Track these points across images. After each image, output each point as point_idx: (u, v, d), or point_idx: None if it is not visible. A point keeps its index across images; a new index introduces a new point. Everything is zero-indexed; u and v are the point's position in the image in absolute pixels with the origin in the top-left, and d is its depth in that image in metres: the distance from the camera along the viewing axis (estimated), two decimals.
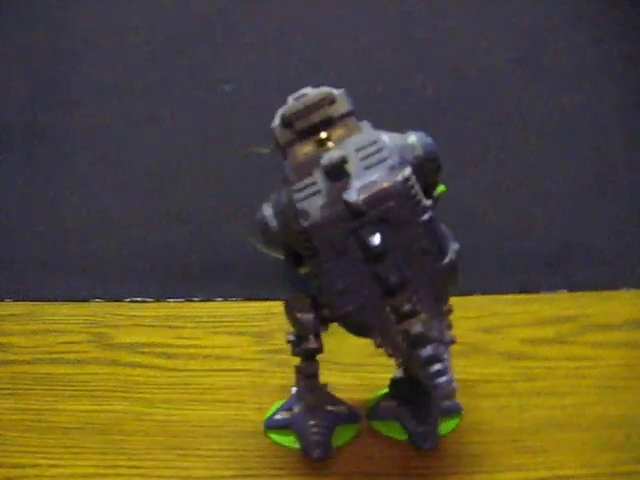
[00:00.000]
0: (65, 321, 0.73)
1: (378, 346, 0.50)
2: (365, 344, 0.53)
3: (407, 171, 0.49)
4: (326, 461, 0.53)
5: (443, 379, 0.48)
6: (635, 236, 0.78)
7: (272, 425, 0.56)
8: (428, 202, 0.49)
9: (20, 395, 0.62)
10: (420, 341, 0.48)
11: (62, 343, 0.69)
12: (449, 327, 0.51)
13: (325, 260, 0.49)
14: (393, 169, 0.49)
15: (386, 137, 0.50)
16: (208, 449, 0.55)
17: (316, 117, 0.50)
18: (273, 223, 0.51)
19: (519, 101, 0.77)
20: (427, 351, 0.48)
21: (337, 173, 0.48)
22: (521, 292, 0.76)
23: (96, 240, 0.79)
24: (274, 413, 0.57)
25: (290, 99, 0.51)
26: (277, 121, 0.51)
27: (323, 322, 0.53)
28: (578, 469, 0.52)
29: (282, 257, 0.53)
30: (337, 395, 0.57)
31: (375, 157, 0.49)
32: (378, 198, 0.48)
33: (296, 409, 0.56)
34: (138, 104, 0.78)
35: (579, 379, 0.61)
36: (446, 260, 0.50)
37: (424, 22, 0.77)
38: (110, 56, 0.78)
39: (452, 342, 0.50)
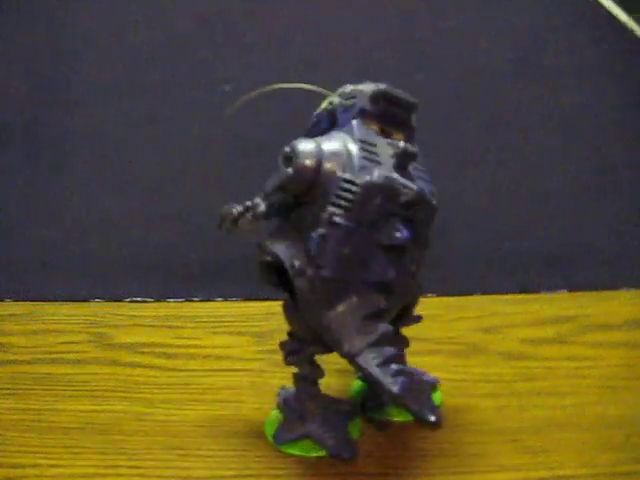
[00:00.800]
0: (65, 321, 0.73)
1: (323, 330, 0.50)
2: None
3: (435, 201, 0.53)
4: (322, 458, 0.53)
5: (403, 378, 0.48)
6: (635, 236, 0.78)
7: (284, 441, 0.55)
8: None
9: (20, 395, 0.62)
10: (385, 340, 0.49)
11: (62, 343, 0.69)
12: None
13: (350, 218, 0.49)
14: (432, 194, 0.52)
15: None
16: (208, 449, 0.55)
17: (398, 112, 0.53)
18: (311, 159, 0.49)
19: (519, 101, 0.77)
20: (391, 350, 0.49)
21: (405, 162, 0.51)
22: (521, 292, 0.76)
23: (96, 240, 0.80)
24: (281, 428, 0.55)
25: (375, 84, 0.53)
26: (370, 88, 0.52)
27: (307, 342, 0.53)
28: (578, 469, 0.52)
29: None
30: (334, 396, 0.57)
31: (423, 175, 0.53)
32: (424, 205, 0.51)
33: (307, 418, 0.54)
34: (138, 104, 0.79)
35: (579, 379, 0.61)
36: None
37: (424, 22, 0.77)
38: (110, 56, 0.78)
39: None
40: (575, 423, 0.56)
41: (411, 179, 0.51)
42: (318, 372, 0.54)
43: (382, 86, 0.53)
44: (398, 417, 0.57)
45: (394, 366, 0.48)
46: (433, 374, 0.61)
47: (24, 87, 0.78)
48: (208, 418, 0.58)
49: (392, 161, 0.50)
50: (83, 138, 0.79)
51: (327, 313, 0.50)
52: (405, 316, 0.55)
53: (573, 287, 0.76)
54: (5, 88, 0.79)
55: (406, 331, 0.58)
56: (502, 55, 0.77)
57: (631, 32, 0.55)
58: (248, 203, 0.52)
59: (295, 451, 0.54)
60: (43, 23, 0.78)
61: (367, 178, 0.49)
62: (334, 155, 0.50)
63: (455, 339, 0.68)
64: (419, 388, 0.55)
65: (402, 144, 0.50)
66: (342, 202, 0.49)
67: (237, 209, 0.52)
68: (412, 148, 0.51)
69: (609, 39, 0.76)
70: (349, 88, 0.53)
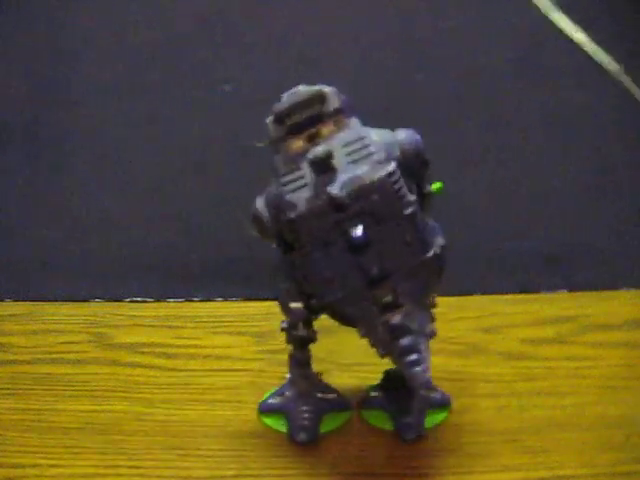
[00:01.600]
0: (65, 321, 0.73)
1: (362, 336, 0.52)
2: (365, 344, 0.53)
3: (391, 166, 0.50)
4: (328, 455, 0.53)
5: (418, 369, 0.50)
6: (635, 236, 0.78)
7: (265, 409, 0.58)
8: (412, 197, 0.51)
9: (20, 395, 0.62)
10: (399, 332, 0.50)
11: (62, 343, 0.69)
12: (432, 320, 0.53)
13: (311, 250, 0.51)
14: (378, 164, 0.51)
15: (374, 134, 0.52)
16: (208, 449, 0.55)
17: (306, 114, 0.52)
18: (265, 214, 0.53)
19: (519, 101, 0.77)
20: (405, 341, 0.50)
21: (323, 167, 0.50)
22: (521, 292, 0.75)
23: (96, 240, 0.79)
24: (268, 397, 0.59)
25: (284, 96, 0.53)
26: (270, 117, 0.53)
27: (313, 311, 0.54)
28: (578, 469, 0.52)
29: (274, 245, 0.54)
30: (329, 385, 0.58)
31: (361, 152, 0.51)
32: (361, 192, 0.50)
33: (288, 394, 0.57)
34: (138, 104, 0.79)
35: (579, 379, 0.61)
36: (430, 253, 0.51)
37: (424, 22, 0.77)
38: (110, 56, 0.78)
39: (432, 334, 0.52)
40: (575, 423, 0.56)
41: (336, 177, 0.50)
42: (306, 355, 0.56)
43: (278, 106, 0.52)
44: (385, 425, 0.57)
45: (411, 357, 0.50)
46: (433, 374, 0.60)
47: (24, 87, 0.78)
48: (208, 418, 0.58)
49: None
50: (83, 138, 0.79)
51: (358, 328, 0.52)
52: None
53: (573, 287, 0.76)
54: (5, 88, 0.79)
55: None
56: (502, 55, 0.77)
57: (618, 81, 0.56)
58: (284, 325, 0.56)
59: (268, 421, 0.57)
60: (43, 23, 0.78)
61: (291, 215, 0.51)
62: (273, 205, 0.52)
63: (455, 339, 0.68)
64: (413, 402, 0.56)
65: (308, 156, 0.50)
66: (295, 241, 0.51)
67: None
68: (317, 152, 0.50)
69: (609, 39, 0.76)
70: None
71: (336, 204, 0.50)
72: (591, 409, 0.58)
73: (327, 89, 0.53)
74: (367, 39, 0.77)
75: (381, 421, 0.57)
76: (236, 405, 0.60)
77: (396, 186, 0.50)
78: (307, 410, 0.56)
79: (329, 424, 0.57)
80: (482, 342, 0.67)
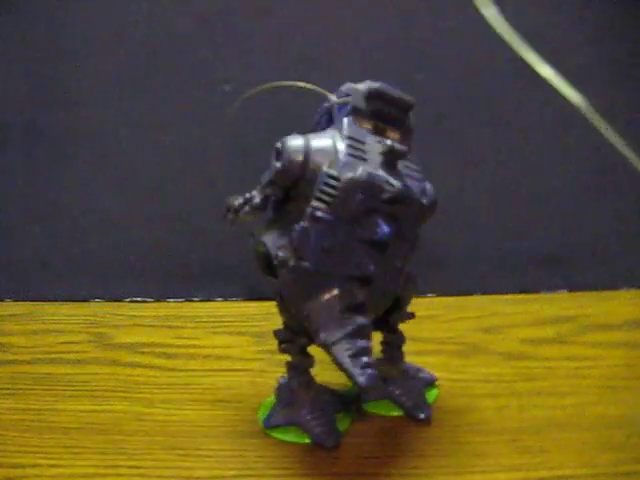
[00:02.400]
0: (65, 321, 0.73)
1: (303, 319, 0.51)
2: None
3: (425, 201, 0.53)
4: (328, 455, 0.53)
5: (371, 371, 0.49)
6: (635, 236, 0.78)
7: (273, 425, 0.56)
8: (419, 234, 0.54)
9: (20, 395, 0.62)
10: (361, 333, 0.50)
11: (62, 343, 0.69)
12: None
13: (331, 213, 0.50)
14: (422, 193, 0.53)
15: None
16: (208, 449, 0.55)
17: (393, 111, 0.53)
18: (300, 155, 0.51)
19: (519, 101, 0.77)
20: (363, 343, 0.50)
21: (392, 160, 0.51)
22: (521, 292, 0.76)
23: (96, 240, 0.80)
24: (271, 413, 0.57)
25: (371, 83, 0.53)
26: (363, 86, 0.53)
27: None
28: (578, 469, 0.52)
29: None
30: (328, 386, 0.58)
31: (413, 174, 0.53)
32: (409, 202, 0.52)
33: (296, 406, 0.56)
34: (138, 104, 0.78)
35: (579, 379, 0.61)
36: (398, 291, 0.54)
37: (424, 22, 0.77)
38: (110, 56, 0.78)
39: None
40: (575, 423, 0.56)
41: (398, 177, 0.52)
42: (309, 361, 0.55)
43: (377, 85, 0.53)
44: (393, 412, 0.58)
45: (365, 358, 0.49)
46: (433, 374, 0.61)
47: (24, 87, 0.78)
48: (208, 418, 0.58)
49: (379, 159, 0.51)
50: (83, 138, 0.79)
51: (307, 303, 0.51)
52: (397, 311, 0.56)
53: (573, 287, 0.76)
54: (5, 88, 0.79)
55: (407, 331, 0.58)
56: (502, 55, 0.77)
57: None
58: (247, 195, 0.54)
59: (281, 436, 0.55)
60: (43, 23, 0.78)
61: (349, 174, 0.50)
62: (321, 151, 0.51)
63: (455, 339, 0.68)
64: (412, 385, 0.58)
65: (389, 142, 0.51)
66: (325, 197, 0.50)
67: (238, 201, 0.54)
68: (400, 146, 0.51)
69: (609, 39, 0.76)
70: (345, 86, 0.54)
71: (392, 196, 0.51)
72: (591, 409, 0.58)
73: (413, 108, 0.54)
74: (367, 39, 0.77)
75: (385, 409, 0.58)
76: (236, 405, 0.60)
77: (423, 219, 0.53)
78: (322, 416, 0.55)
79: (342, 424, 0.56)
80: (482, 342, 0.67)
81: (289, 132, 0.53)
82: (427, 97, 0.77)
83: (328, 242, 0.50)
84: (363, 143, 0.52)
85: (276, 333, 0.56)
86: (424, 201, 0.53)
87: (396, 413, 0.58)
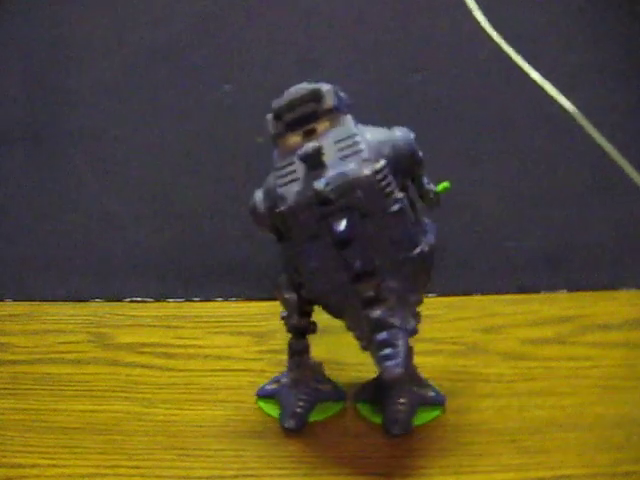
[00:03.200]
0: (65, 321, 0.73)
1: (348, 328, 0.53)
2: None
3: (378, 164, 0.52)
4: (328, 455, 0.53)
5: (390, 363, 0.51)
6: (635, 236, 0.78)
7: (262, 394, 0.60)
8: (400, 194, 0.52)
9: (20, 395, 0.62)
10: (378, 326, 0.51)
11: (62, 343, 0.69)
12: (414, 317, 0.53)
13: (299, 242, 0.52)
14: (366, 162, 0.52)
15: (368, 132, 0.54)
16: (208, 449, 0.55)
17: (303, 111, 0.54)
18: (261, 206, 0.54)
19: (519, 101, 0.77)
20: (382, 335, 0.51)
21: (313, 162, 0.52)
22: (521, 292, 0.76)
23: (96, 240, 0.80)
24: (265, 384, 0.60)
25: (284, 93, 0.54)
26: (270, 114, 0.55)
27: (305, 302, 0.56)
28: (578, 469, 0.52)
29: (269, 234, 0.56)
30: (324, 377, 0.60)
31: (350, 149, 0.52)
32: (346, 188, 0.51)
33: (283, 381, 0.59)
34: (138, 104, 0.78)
35: (579, 379, 0.61)
36: (416, 251, 0.52)
37: (424, 22, 0.77)
38: (110, 56, 0.78)
39: (414, 331, 0.53)
40: (575, 423, 0.56)
41: (326, 173, 0.52)
42: (302, 344, 0.58)
43: (276, 101, 0.54)
44: (377, 419, 0.57)
45: (385, 351, 0.51)
46: (433, 374, 0.61)
47: (24, 87, 0.78)
48: (208, 418, 0.58)
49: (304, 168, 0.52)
50: (83, 138, 0.79)
51: (338, 314, 0.54)
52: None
53: (573, 287, 0.76)
54: (5, 88, 0.79)
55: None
56: (502, 55, 0.77)
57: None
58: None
59: (263, 405, 0.59)
60: (43, 23, 0.78)
61: (282, 207, 0.52)
62: (268, 196, 0.54)
63: (455, 339, 0.68)
64: (408, 399, 0.57)
65: (298, 152, 0.52)
66: (284, 232, 0.53)
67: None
68: (308, 148, 0.51)
69: (609, 39, 0.76)
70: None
71: (321, 199, 0.51)
72: (591, 409, 0.58)
73: (324, 87, 0.54)
74: (367, 39, 0.77)
75: (371, 414, 0.58)
76: (236, 405, 0.60)
77: (382, 183, 0.51)
78: (300, 398, 0.58)
79: (320, 414, 0.58)
80: (482, 342, 0.67)
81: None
82: (427, 97, 0.77)
83: (312, 265, 0.52)
84: (291, 164, 0.53)
85: (282, 315, 0.58)
86: (367, 172, 0.51)
87: (378, 420, 0.57)
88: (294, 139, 0.54)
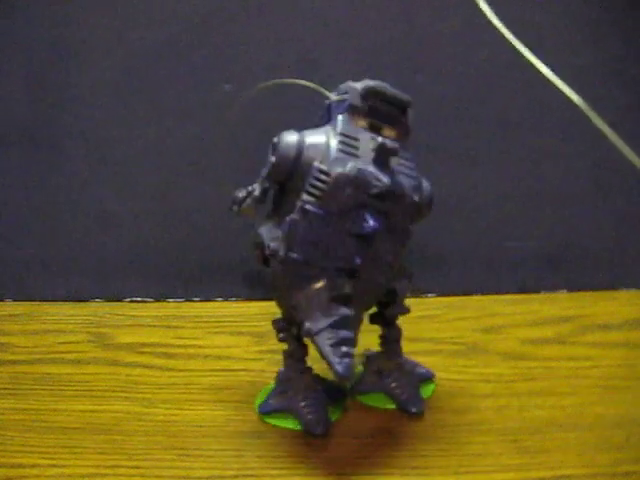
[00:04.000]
0: (65, 321, 0.73)
1: (293, 307, 0.53)
2: (363, 345, 0.55)
3: (418, 199, 0.54)
4: (328, 455, 0.53)
5: (347, 360, 0.51)
6: (635, 236, 0.78)
7: (268, 410, 0.58)
8: (411, 233, 0.55)
9: (20, 395, 0.62)
10: (344, 323, 0.52)
11: (62, 343, 0.69)
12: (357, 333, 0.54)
13: (320, 207, 0.51)
14: (414, 190, 0.54)
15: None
16: (208, 449, 0.55)
17: (389, 110, 0.54)
18: (293, 150, 0.53)
19: (519, 101, 0.77)
20: (346, 333, 0.51)
21: (384, 157, 0.52)
22: (521, 292, 0.76)
23: (96, 240, 0.80)
24: (267, 398, 0.59)
25: (379, 83, 0.55)
26: (359, 85, 0.54)
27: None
28: (578, 469, 0.52)
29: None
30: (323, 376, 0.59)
31: (407, 171, 0.54)
32: (398, 198, 0.53)
33: (290, 393, 0.58)
34: (138, 104, 0.78)
35: (579, 379, 0.61)
36: (388, 286, 0.55)
37: (424, 22, 0.77)
38: (110, 56, 0.78)
39: (356, 344, 0.53)
40: (575, 423, 0.56)
41: (389, 173, 0.52)
42: (304, 350, 0.57)
43: (373, 83, 0.54)
44: (388, 405, 0.58)
45: (344, 348, 0.51)
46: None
47: (24, 87, 0.78)
48: (208, 418, 0.58)
49: (371, 155, 0.52)
50: (83, 138, 0.79)
51: (295, 293, 0.53)
52: (392, 305, 0.57)
53: (573, 287, 0.76)
54: (5, 88, 0.79)
55: (407, 331, 0.58)
56: (502, 55, 0.77)
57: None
58: (250, 188, 0.55)
59: (274, 422, 0.57)
60: (43, 23, 0.78)
61: (339, 169, 0.51)
62: (313, 147, 0.53)
63: (455, 339, 0.68)
64: (407, 379, 0.58)
65: (381, 139, 0.52)
66: (315, 191, 0.52)
67: (242, 193, 0.55)
68: (392, 144, 0.52)
69: (609, 39, 0.76)
70: (344, 85, 0.55)
71: (380, 192, 0.52)
72: (591, 409, 0.58)
73: (411, 106, 0.55)
74: (367, 39, 0.77)
75: (380, 402, 0.59)
76: (236, 405, 0.60)
77: (414, 215, 0.54)
78: (313, 404, 0.57)
79: (334, 414, 0.58)
80: (482, 342, 0.67)
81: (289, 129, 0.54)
82: (427, 97, 0.77)
83: (316, 235, 0.52)
84: (356, 140, 0.53)
85: (274, 322, 0.58)
86: (416, 198, 0.54)
87: (390, 406, 0.58)
88: (361, 122, 0.54)
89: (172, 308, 0.76)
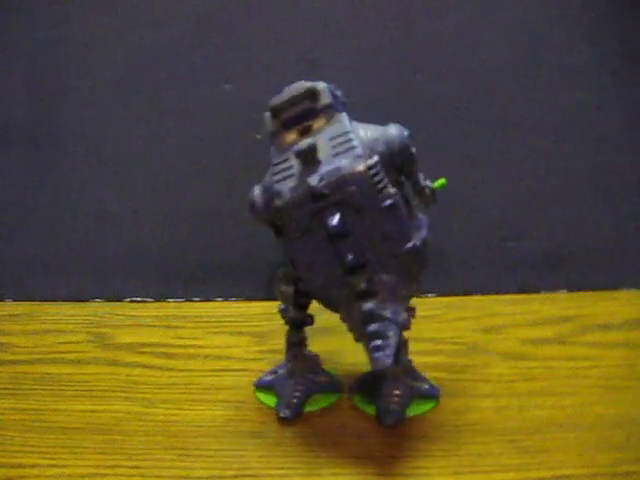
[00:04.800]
0: (65, 321, 0.73)
1: (342, 320, 0.54)
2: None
3: (371, 160, 0.53)
4: (328, 455, 0.53)
5: (379, 354, 0.51)
6: (635, 236, 0.78)
7: (260, 385, 0.61)
8: (393, 190, 0.53)
9: (20, 395, 0.62)
10: (370, 318, 0.52)
11: (62, 343, 0.69)
12: (407, 311, 0.54)
13: (295, 237, 0.53)
14: (359, 158, 0.53)
15: (362, 129, 0.55)
16: (208, 449, 0.55)
17: (299, 109, 0.55)
18: (259, 201, 0.55)
19: (519, 101, 0.77)
20: (373, 327, 0.52)
21: (308, 159, 0.53)
22: (521, 292, 0.76)
23: (96, 240, 0.80)
24: (263, 376, 0.61)
25: (283, 91, 0.56)
26: (267, 111, 0.56)
27: (302, 295, 0.57)
28: (578, 469, 0.52)
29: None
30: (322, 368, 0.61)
31: (344, 146, 0.53)
32: (339, 183, 0.52)
33: (280, 372, 0.60)
34: (138, 104, 0.79)
35: (579, 379, 0.61)
36: (408, 245, 0.53)
37: (424, 22, 0.77)
38: (110, 56, 0.78)
39: (405, 324, 0.54)
40: (575, 423, 0.56)
41: (316, 169, 0.53)
42: (302, 337, 0.59)
43: (272, 101, 0.55)
44: (371, 410, 0.58)
45: (375, 342, 0.52)
46: (433, 374, 0.61)
47: (24, 87, 0.78)
48: (208, 418, 0.58)
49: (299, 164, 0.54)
50: (83, 138, 0.79)
51: (339, 309, 0.55)
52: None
53: (573, 287, 0.76)
54: (5, 88, 0.79)
55: (407, 332, 0.58)
56: (502, 55, 0.77)
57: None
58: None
59: (261, 396, 0.60)
60: (43, 23, 0.78)
61: (278, 203, 0.53)
62: (266, 192, 0.55)
63: (455, 339, 0.68)
64: (401, 390, 0.58)
65: (294, 148, 0.53)
66: (281, 227, 0.54)
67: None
68: (303, 145, 0.52)
69: (609, 39, 0.76)
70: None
71: (314, 194, 0.52)
72: (591, 409, 0.58)
73: (319, 85, 0.55)
74: (367, 39, 0.77)
75: (365, 405, 0.59)
76: (236, 405, 0.60)
77: (375, 179, 0.52)
78: (295, 389, 0.59)
79: (316, 404, 0.59)
80: (482, 342, 0.67)
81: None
82: (427, 97, 0.77)
83: (307, 259, 0.53)
84: (287, 160, 0.54)
85: (280, 310, 0.59)
86: (360, 167, 0.52)
87: (372, 412, 0.58)
88: (291, 137, 0.55)
89: (172, 308, 0.76)
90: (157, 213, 0.79)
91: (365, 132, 0.54)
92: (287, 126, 0.55)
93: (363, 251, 0.52)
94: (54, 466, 0.53)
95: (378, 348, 0.52)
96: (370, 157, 0.53)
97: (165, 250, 0.79)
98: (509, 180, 0.78)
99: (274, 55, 0.77)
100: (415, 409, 0.58)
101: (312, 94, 0.55)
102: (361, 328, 0.52)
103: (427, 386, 0.59)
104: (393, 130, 0.54)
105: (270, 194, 0.54)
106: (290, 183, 0.53)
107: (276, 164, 0.54)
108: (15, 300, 0.77)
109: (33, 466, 0.53)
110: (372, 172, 0.52)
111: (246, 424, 0.58)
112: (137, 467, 0.53)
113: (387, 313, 0.52)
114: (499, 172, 0.78)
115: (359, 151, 0.53)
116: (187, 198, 0.79)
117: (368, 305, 0.52)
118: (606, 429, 0.55)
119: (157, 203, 0.79)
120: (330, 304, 0.55)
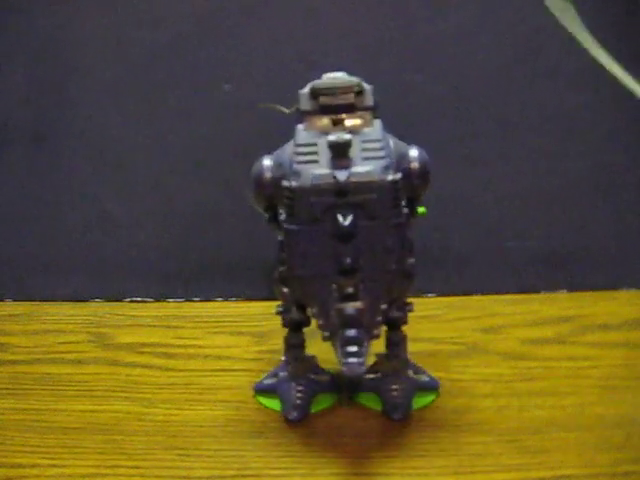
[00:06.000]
0: (65, 321, 0.73)
1: (313, 315, 0.54)
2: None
3: (397, 175, 0.53)
4: (328, 455, 0.53)
5: (354, 360, 0.52)
6: (635, 236, 0.78)
7: (260, 389, 0.60)
8: (405, 210, 0.54)
9: (20, 395, 0.62)
10: (349, 322, 0.52)
11: (62, 343, 0.69)
12: (380, 324, 0.54)
13: (297, 222, 0.53)
14: (387, 169, 0.53)
15: (392, 142, 0.55)
16: (208, 449, 0.55)
17: (341, 100, 0.54)
18: (268, 173, 0.55)
19: (519, 101, 0.77)
20: (351, 332, 0.52)
21: (340, 152, 0.53)
22: (521, 292, 0.76)
23: (96, 240, 0.80)
24: (263, 379, 0.61)
25: (325, 76, 0.55)
26: (307, 89, 0.55)
27: (281, 280, 0.56)
28: (578, 469, 0.52)
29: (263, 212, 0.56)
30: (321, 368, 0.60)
31: (376, 153, 0.53)
32: (364, 187, 0.52)
33: (281, 375, 0.60)
34: (138, 104, 0.79)
35: (579, 379, 0.61)
36: (401, 265, 0.54)
37: (424, 22, 0.77)
38: (110, 56, 0.78)
39: (376, 337, 0.54)
40: (575, 423, 0.56)
41: (348, 166, 0.52)
42: (300, 338, 0.59)
43: (317, 82, 0.55)
44: (378, 406, 0.58)
45: (351, 348, 0.52)
46: (433, 374, 0.61)
47: (24, 87, 0.78)
48: (208, 418, 0.58)
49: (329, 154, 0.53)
50: (83, 138, 0.79)
51: (309, 302, 0.55)
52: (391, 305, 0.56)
53: (573, 287, 0.76)
54: (5, 88, 0.79)
55: (407, 331, 0.58)
56: (502, 55, 0.77)
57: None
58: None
59: (262, 400, 0.60)
60: (43, 23, 0.78)
61: (294, 183, 0.52)
62: (280, 166, 0.54)
63: (455, 339, 0.68)
64: (403, 384, 0.58)
65: (331, 137, 0.52)
66: (286, 209, 0.53)
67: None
68: (342, 137, 0.52)
69: (609, 39, 0.76)
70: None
71: (340, 189, 0.52)
72: (591, 409, 0.58)
73: (366, 85, 0.55)
74: (367, 39, 0.77)
75: (371, 402, 0.59)
76: (236, 405, 0.60)
77: (395, 194, 0.53)
78: (299, 390, 0.58)
79: (320, 404, 0.59)
80: (482, 342, 0.67)
81: (288, 131, 0.55)
82: (427, 98, 0.77)
83: (302, 248, 0.53)
84: (314, 145, 0.53)
85: (278, 311, 0.59)
86: (388, 177, 0.52)
87: (379, 407, 0.58)
88: (322, 122, 0.54)
89: (172, 308, 0.76)
90: (157, 213, 0.79)
91: (395, 146, 0.55)
92: (321, 111, 0.54)
93: (361, 257, 0.53)
94: (54, 466, 0.53)
95: (353, 354, 0.52)
96: (395, 172, 0.53)
97: (165, 250, 0.79)
98: (509, 180, 0.78)
99: (274, 55, 0.77)
100: (417, 402, 0.58)
101: (357, 90, 0.55)
102: (337, 329, 0.53)
103: (427, 378, 0.60)
104: (419, 153, 0.55)
105: (283, 171, 0.54)
106: (313, 168, 0.53)
107: (302, 144, 0.54)
108: (15, 300, 0.77)
109: (33, 466, 0.53)
110: (395, 187, 0.53)
111: (246, 424, 0.58)
112: (137, 467, 0.53)
113: (365, 321, 0.53)
114: (499, 172, 0.78)
115: (389, 162, 0.53)
116: (187, 198, 0.79)
117: (350, 309, 0.52)
118: (606, 429, 0.55)
119: (157, 203, 0.79)
120: (306, 297, 0.55)
